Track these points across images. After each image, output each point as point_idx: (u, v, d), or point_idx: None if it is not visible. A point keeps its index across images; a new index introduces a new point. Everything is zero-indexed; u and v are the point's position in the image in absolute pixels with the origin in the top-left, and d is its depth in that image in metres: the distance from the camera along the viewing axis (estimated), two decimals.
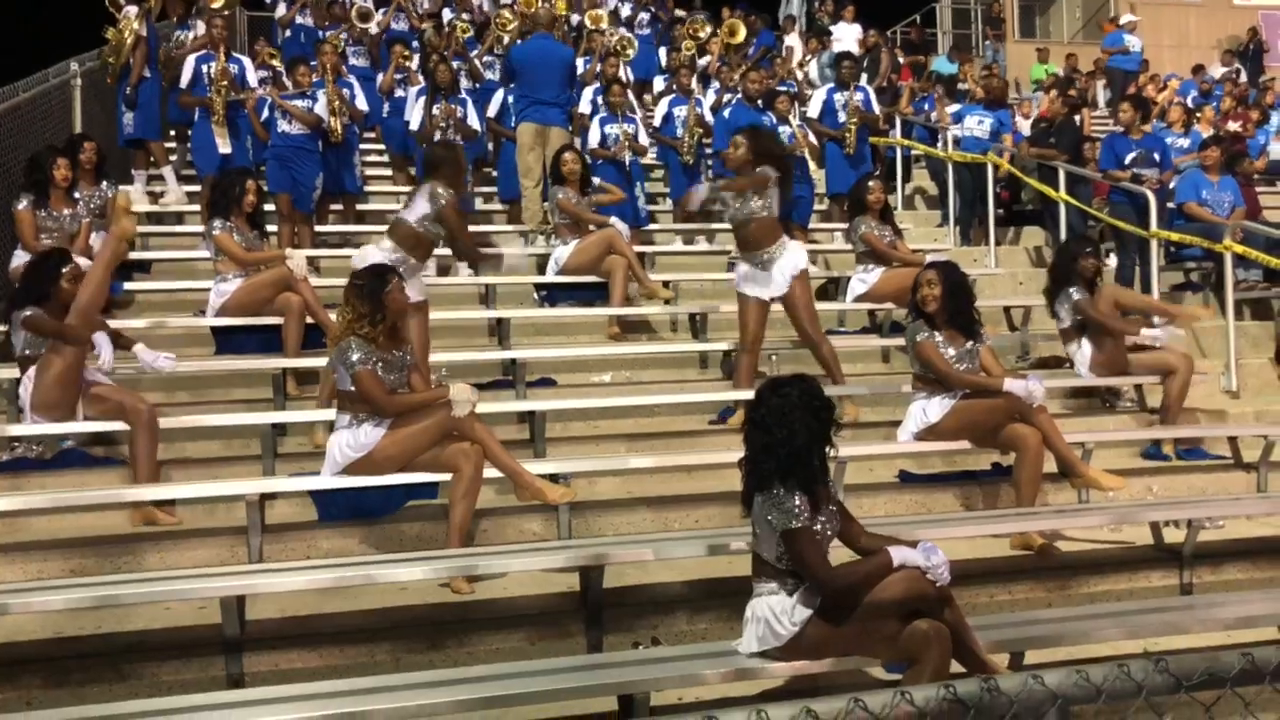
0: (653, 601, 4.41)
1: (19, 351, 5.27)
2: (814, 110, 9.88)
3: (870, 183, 7.69)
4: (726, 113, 9.33)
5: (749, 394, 5.99)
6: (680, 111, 9.70)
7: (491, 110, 9.63)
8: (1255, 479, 6.05)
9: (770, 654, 3.42)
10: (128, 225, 5.48)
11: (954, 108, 11.47)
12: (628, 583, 4.44)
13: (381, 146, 10.81)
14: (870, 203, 7.48)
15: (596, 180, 8.30)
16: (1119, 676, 1.88)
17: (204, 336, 6.63)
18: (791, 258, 6.10)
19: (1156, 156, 8.87)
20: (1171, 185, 9.07)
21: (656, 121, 10.03)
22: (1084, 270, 6.45)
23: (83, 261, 5.69)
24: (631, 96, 9.84)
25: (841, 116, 9.66)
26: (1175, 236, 8.24)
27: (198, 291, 7.03)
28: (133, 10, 9.08)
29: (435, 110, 8.63)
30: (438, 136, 8.49)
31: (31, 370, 5.15)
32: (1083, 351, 6.46)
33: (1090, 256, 6.53)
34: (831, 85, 10.10)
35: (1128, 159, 8.85)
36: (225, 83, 8.60)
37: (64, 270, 5.23)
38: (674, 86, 10.25)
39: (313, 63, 8.71)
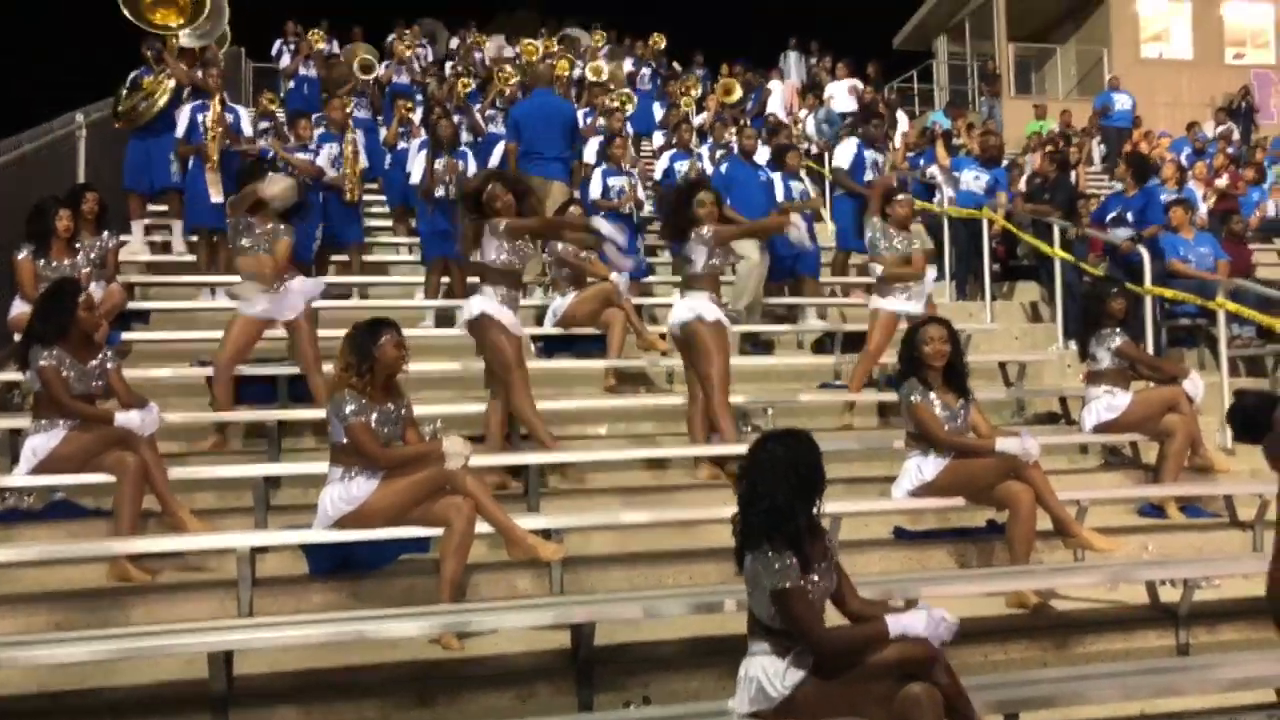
0: (645, 660, 4.38)
1: (34, 388, 5.12)
2: (844, 161, 9.84)
3: (900, 196, 7.42)
4: (723, 168, 9.42)
5: (709, 450, 5.98)
6: (682, 166, 9.82)
7: (493, 161, 9.73)
8: (1251, 538, 6.00)
9: (763, 715, 3.39)
10: None
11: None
12: (620, 640, 4.41)
13: (383, 198, 10.92)
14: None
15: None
16: None
17: (200, 387, 6.64)
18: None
19: (1130, 216, 8.92)
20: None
21: (657, 175, 10.13)
22: (1114, 311, 6.56)
23: None
24: (631, 150, 9.96)
25: (870, 175, 9.58)
26: (1169, 294, 8.28)
27: (196, 342, 7.04)
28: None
29: (438, 165, 8.72)
30: (439, 191, 8.58)
31: (57, 430, 5.02)
32: (1117, 400, 6.42)
33: (1118, 297, 6.66)
34: (860, 141, 10.02)
35: (1108, 218, 8.98)
36: (221, 129, 8.67)
37: (79, 300, 5.18)
38: (674, 141, 10.37)
39: (315, 116, 8.82)
